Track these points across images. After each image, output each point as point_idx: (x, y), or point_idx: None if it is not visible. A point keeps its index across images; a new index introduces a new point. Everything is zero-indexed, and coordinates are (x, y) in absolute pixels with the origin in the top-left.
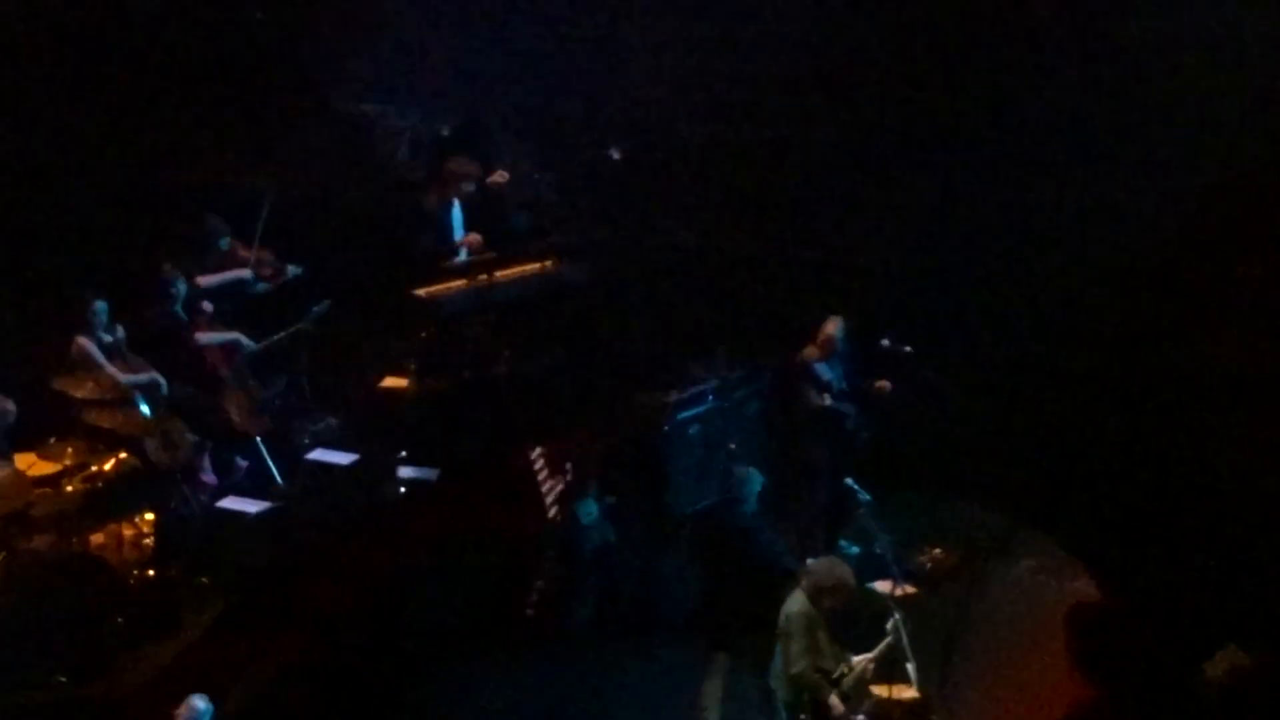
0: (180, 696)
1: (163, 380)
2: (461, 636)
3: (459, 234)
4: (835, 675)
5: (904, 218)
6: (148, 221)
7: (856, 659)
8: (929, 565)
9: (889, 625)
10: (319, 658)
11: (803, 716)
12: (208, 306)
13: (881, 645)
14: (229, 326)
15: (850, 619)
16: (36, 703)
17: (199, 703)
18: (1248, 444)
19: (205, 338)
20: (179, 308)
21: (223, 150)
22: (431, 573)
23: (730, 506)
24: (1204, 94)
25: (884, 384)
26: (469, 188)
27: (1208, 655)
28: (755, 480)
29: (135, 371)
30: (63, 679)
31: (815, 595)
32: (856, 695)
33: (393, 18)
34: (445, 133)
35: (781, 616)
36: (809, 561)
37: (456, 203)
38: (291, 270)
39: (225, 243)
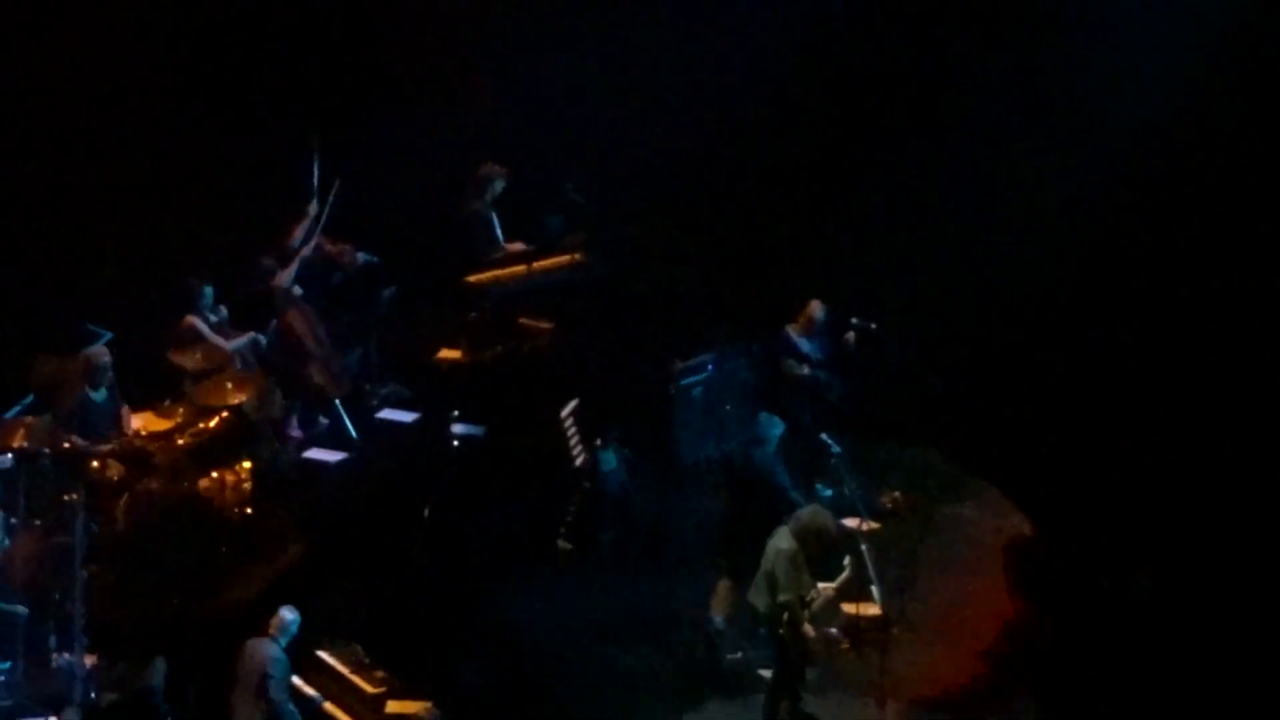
0: (274, 611)
1: (261, 338)
2: (508, 559)
3: (499, 231)
4: (807, 599)
5: (870, 217)
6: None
7: (824, 586)
8: (889, 505)
9: (845, 561)
10: (387, 578)
11: (780, 631)
12: (298, 290)
13: (842, 577)
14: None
15: (827, 557)
16: (157, 618)
17: (287, 614)
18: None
19: (295, 319)
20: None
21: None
22: (484, 509)
23: (753, 448)
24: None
25: (849, 336)
26: (499, 186)
27: (1117, 577)
28: (776, 425)
29: (235, 344)
30: (177, 598)
31: (802, 538)
32: (824, 615)
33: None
34: None
35: (770, 550)
36: (799, 510)
37: (492, 204)
38: (363, 258)
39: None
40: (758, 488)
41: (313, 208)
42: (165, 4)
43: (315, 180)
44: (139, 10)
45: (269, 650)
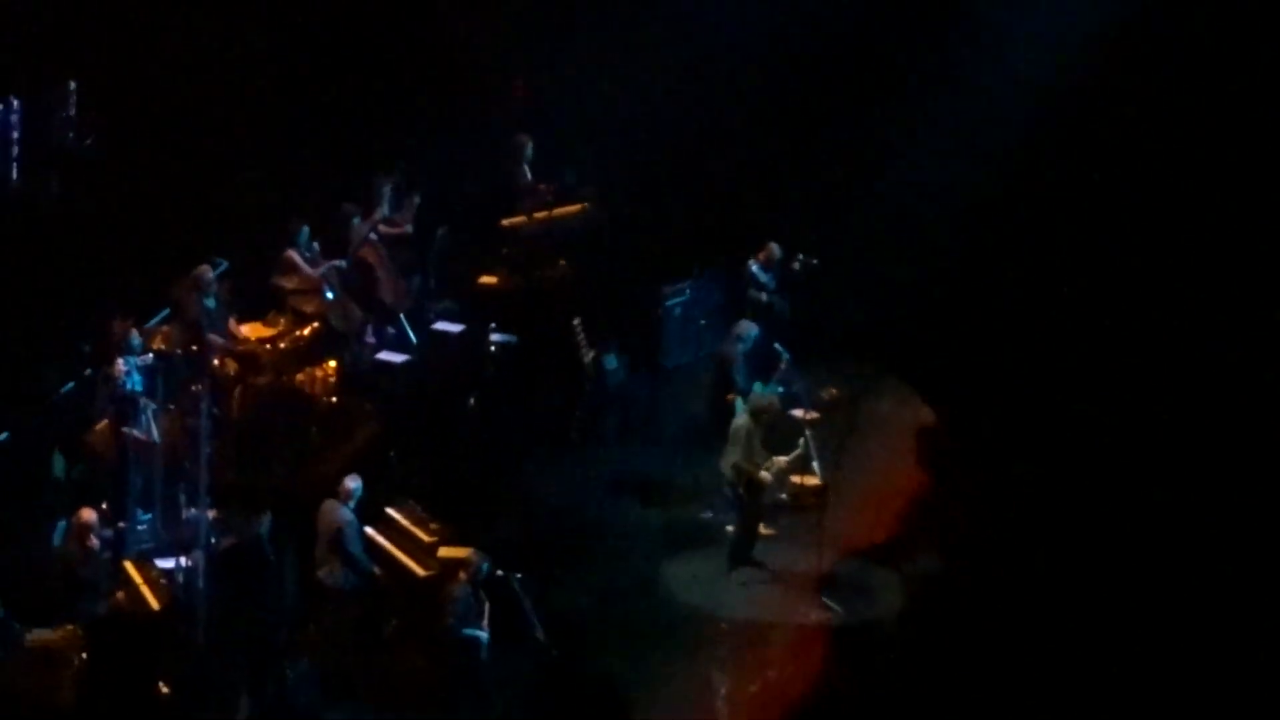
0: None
1: (343, 264)
2: (534, 437)
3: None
4: (761, 464)
5: (815, 173)
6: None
7: (779, 459)
8: (827, 399)
9: (800, 441)
10: (441, 452)
11: (740, 490)
12: (373, 236)
13: (794, 453)
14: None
15: (774, 432)
16: (263, 482)
17: (351, 483)
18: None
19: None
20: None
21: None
22: (516, 399)
23: (730, 350)
24: None
25: (795, 267)
26: (529, 152)
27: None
28: (753, 330)
29: (325, 272)
30: (279, 466)
31: (755, 414)
32: (777, 483)
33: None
34: None
35: (732, 428)
36: (750, 393)
37: (525, 164)
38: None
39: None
40: (734, 381)
41: (382, 213)
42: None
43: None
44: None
45: (340, 512)
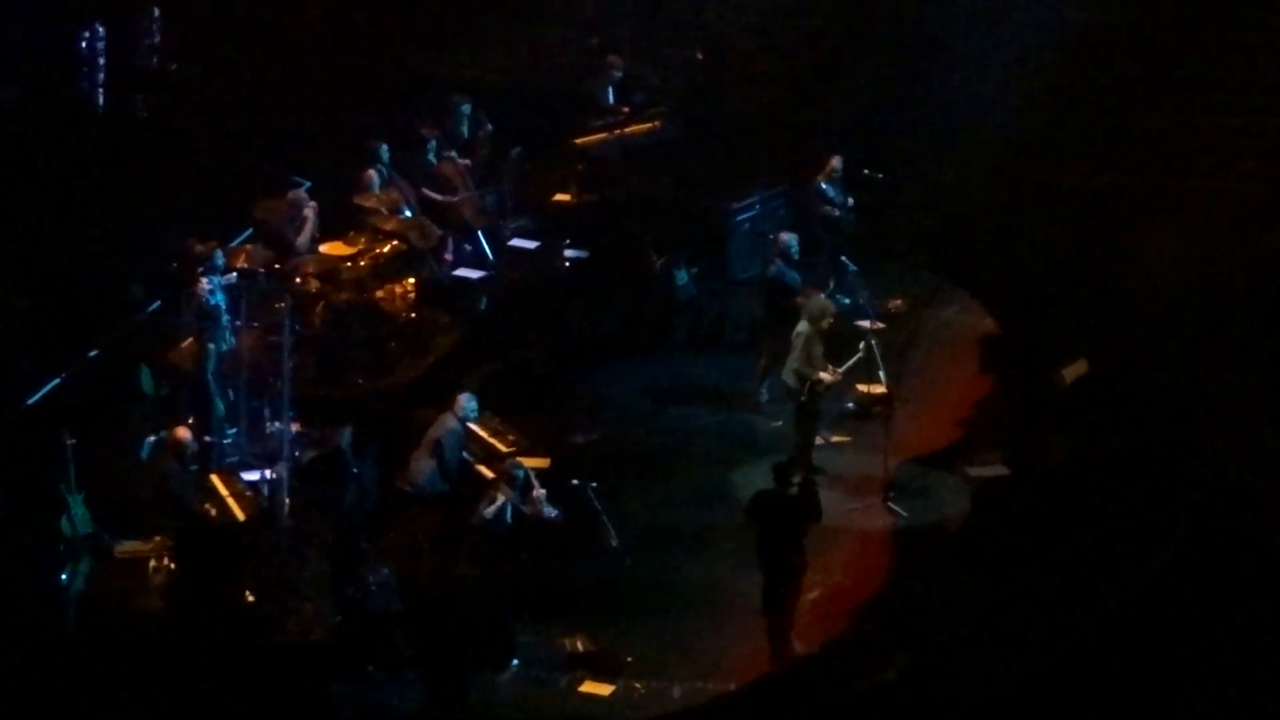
0: (432, 393)
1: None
2: (607, 347)
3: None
4: (821, 369)
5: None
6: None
7: (833, 368)
8: (892, 310)
9: (861, 346)
10: (517, 363)
11: (802, 399)
12: (454, 154)
13: (851, 360)
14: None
15: (836, 341)
16: (345, 395)
17: (464, 399)
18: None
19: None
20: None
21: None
22: (588, 311)
23: (785, 267)
24: None
25: (859, 178)
26: (617, 74)
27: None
28: (794, 243)
29: (403, 191)
30: (360, 380)
31: (814, 320)
32: (839, 390)
33: None
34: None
35: (794, 334)
36: (810, 299)
37: (610, 86)
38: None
39: (466, 108)
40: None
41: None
42: None
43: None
44: None
45: (448, 423)
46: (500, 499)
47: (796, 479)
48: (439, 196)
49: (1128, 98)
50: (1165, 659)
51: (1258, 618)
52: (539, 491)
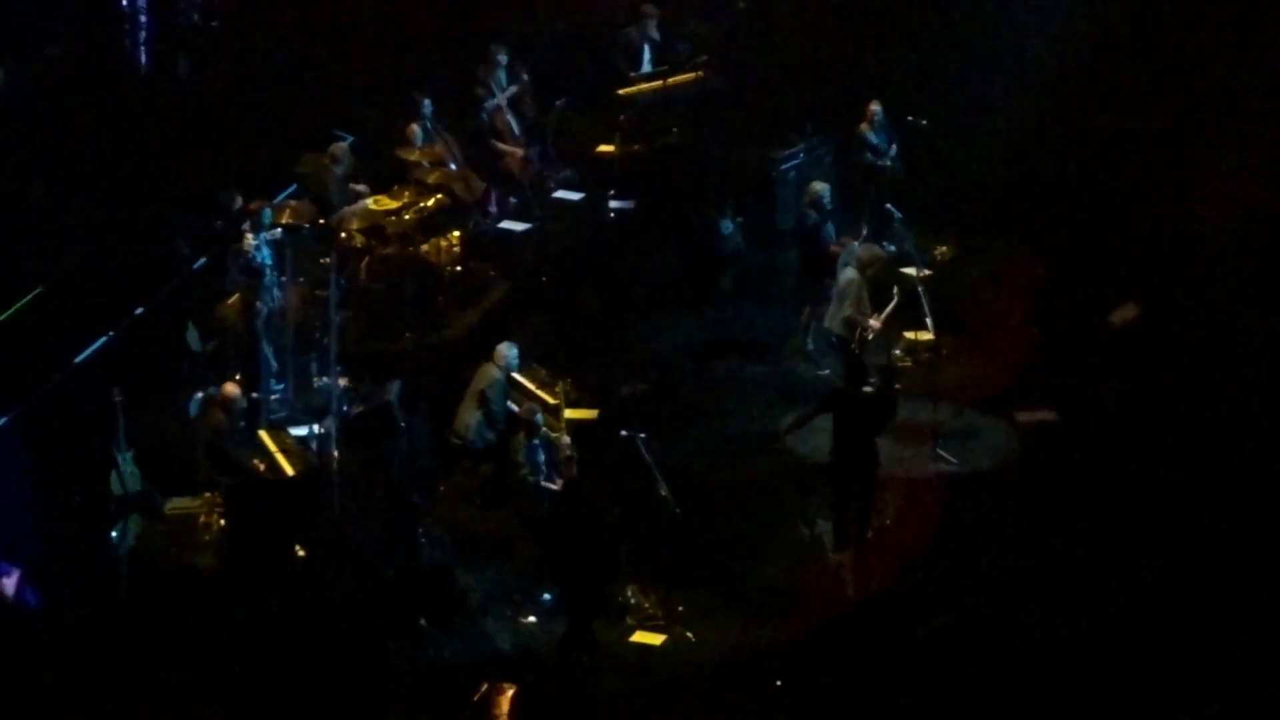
0: (480, 347)
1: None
2: (651, 297)
3: (648, 57)
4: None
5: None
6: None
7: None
8: (938, 257)
9: (895, 292)
10: (564, 313)
11: (851, 345)
12: (501, 104)
13: (890, 305)
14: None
15: (881, 287)
16: (392, 348)
17: (504, 348)
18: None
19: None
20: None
21: None
22: (633, 261)
23: (821, 222)
24: None
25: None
26: (653, 24)
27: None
28: (827, 193)
29: (447, 144)
30: (408, 334)
31: (860, 268)
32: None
33: None
34: None
35: (840, 281)
36: (856, 245)
37: (648, 37)
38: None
39: (504, 58)
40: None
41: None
42: None
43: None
44: None
45: (492, 373)
46: (523, 443)
47: (874, 378)
48: (504, 146)
49: (1180, 38)
50: (1218, 609)
51: None
52: (566, 446)
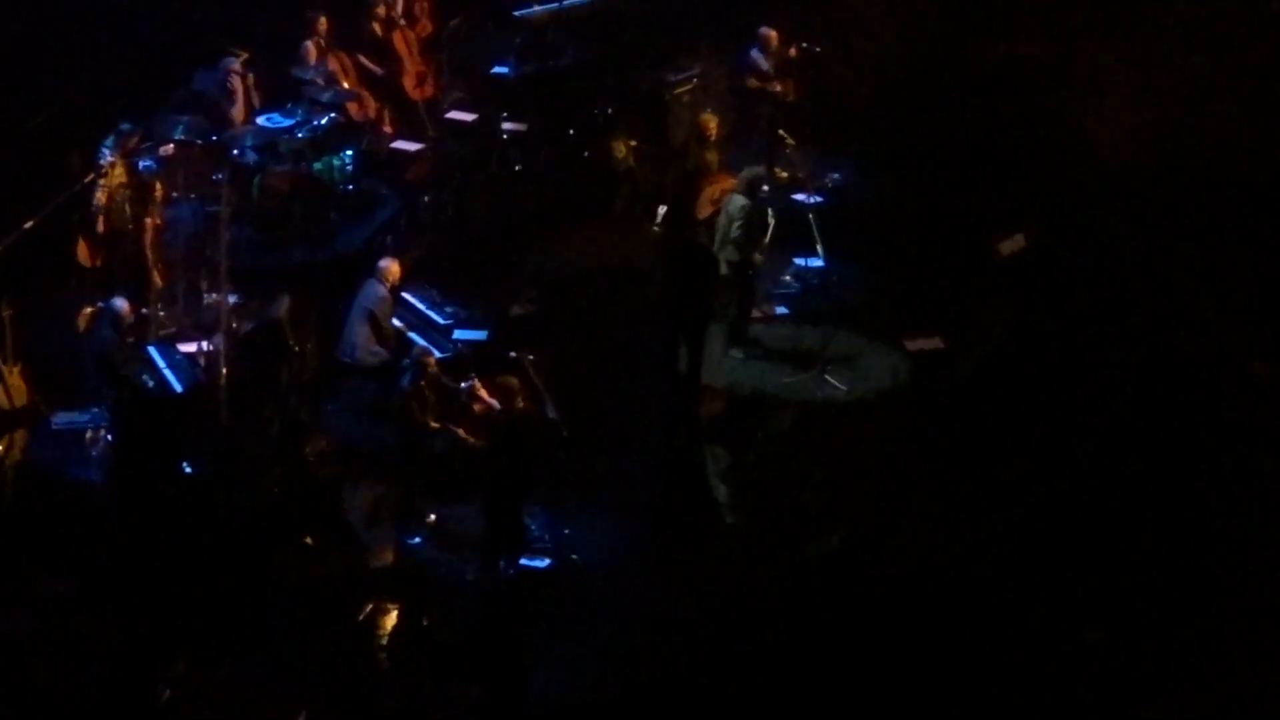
0: (371, 265)
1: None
2: (541, 221)
3: None
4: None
5: None
6: None
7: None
8: (829, 184)
9: (771, 216)
10: (457, 229)
11: (749, 273)
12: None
13: (768, 231)
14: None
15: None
16: (282, 265)
17: (384, 262)
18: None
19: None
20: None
21: None
22: (526, 180)
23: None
24: None
25: (793, 53)
26: None
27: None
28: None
29: (341, 62)
30: (297, 251)
31: (750, 191)
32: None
33: None
34: None
35: (732, 208)
36: (742, 171)
37: None
38: None
39: None
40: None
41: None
42: None
43: None
44: None
45: (376, 290)
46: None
47: None
48: (378, 69)
49: None
50: (1104, 533)
51: (1198, 486)
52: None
